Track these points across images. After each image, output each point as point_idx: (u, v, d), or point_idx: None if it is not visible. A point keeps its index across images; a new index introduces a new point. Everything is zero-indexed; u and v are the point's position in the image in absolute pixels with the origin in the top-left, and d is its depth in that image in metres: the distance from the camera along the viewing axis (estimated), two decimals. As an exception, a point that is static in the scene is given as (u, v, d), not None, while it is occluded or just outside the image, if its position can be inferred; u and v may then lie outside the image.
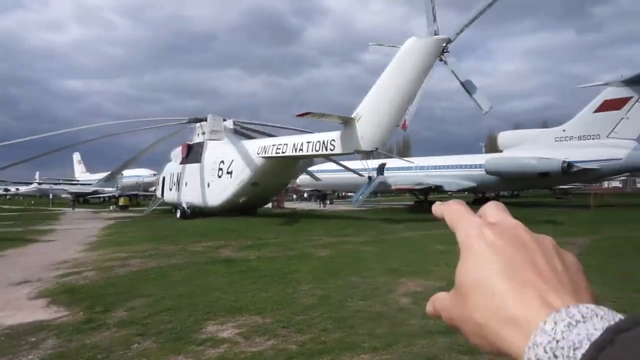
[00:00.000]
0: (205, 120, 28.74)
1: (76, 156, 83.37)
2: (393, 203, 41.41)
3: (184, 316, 6.32)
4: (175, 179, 30.55)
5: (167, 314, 6.44)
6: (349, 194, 48.47)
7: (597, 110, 29.22)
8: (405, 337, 5.24)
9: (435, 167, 35.68)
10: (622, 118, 28.10)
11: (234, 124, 29.57)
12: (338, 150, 20.35)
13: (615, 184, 54.74)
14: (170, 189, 31.19)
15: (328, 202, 45.52)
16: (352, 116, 19.32)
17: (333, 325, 5.78)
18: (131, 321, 6.13)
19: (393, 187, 34.61)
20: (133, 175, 53.27)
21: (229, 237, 15.58)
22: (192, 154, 29.13)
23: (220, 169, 26.16)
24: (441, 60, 19.18)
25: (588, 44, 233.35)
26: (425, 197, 35.58)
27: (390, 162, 36.55)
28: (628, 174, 40.27)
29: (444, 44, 18.51)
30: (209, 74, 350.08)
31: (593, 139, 29.22)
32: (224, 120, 29.06)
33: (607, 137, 28.64)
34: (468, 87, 20.72)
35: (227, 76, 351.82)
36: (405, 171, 36.19)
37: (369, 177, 34.68)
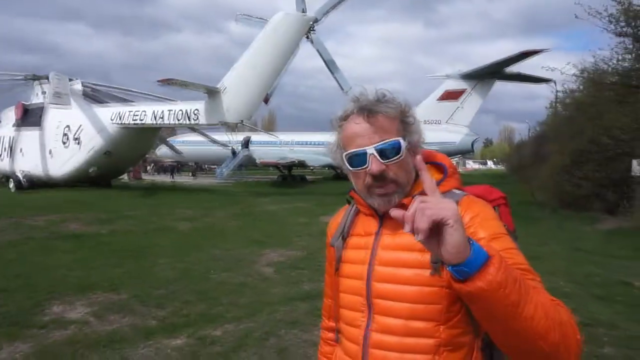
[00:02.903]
0: (47, 78, 25.12)
1: None
2: (258, 177, 41.57)
3: (21, 298, 5.62)
4: (6, 145, 26.31)
5: (-1, 296, 5.65)
6: (213, 166, 47.37)
7: (439, 99, 32.94)
8: (268, 305, 5.42)
9: (299, 143, 36.71)
10: (458, 107, 32.20)
11: (83, 85, 26.41)
12: (202, 121, 19.62)
13: (451, 164, 63.18)
14: (0, 156, 26.83)
15: (191, 175, 43.82)
16: (218, 87, 18.77)
17: (195, 298, 5.70)
18: (-49, 307, 5.24)
19: (258, 161, 34.78)
20: (-52, 138, 44.66)
21: (77, 210, 14.08)
22: (30, 116, 25.30)
23: (66, 135, 23.27)
24: (307, 38, 19.64)
25: (434, 38, 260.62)
26: (289, 171, 36.48)
27: (256, 137, 36.54)
28: (460, 155, 46.56)
29: (311, 23, 18.93)
30: (49, 27, 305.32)
31: (435, 124, 32.94)
32: (71, 80, 25.76)
33: (446, 122, 32.58)
34: (331, 67, 21.62)
35: (71, 32, 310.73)
36: (270, 146, 36.54)
37: (233, 151, 34.28)
